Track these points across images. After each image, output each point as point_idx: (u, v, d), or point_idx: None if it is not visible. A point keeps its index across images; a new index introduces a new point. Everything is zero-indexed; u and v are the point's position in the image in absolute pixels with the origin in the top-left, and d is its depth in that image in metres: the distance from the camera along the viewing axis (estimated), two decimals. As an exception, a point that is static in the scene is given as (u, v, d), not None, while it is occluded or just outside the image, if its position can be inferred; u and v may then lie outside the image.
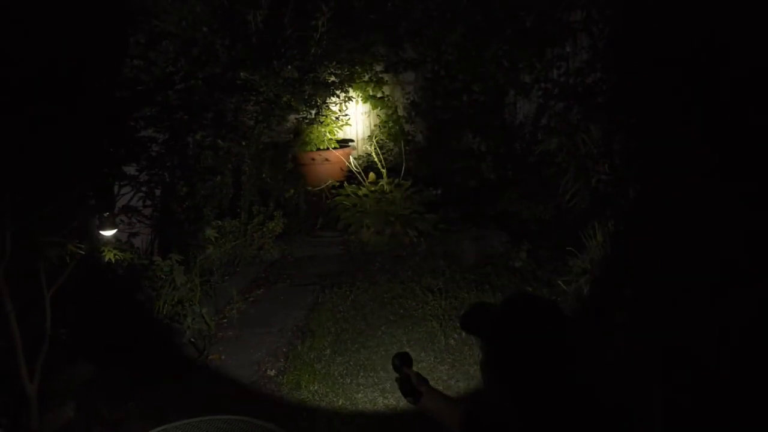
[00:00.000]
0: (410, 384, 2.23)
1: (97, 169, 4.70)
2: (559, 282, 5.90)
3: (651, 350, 4.19)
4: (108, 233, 4.52)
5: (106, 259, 4.52)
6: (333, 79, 7.76)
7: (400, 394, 2.29)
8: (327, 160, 8.91)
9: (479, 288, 6.56)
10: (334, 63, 7.42)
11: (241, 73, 6.55)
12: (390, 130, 9.56)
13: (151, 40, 5.75)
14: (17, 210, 3.56)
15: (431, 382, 2.30)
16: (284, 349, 5.62)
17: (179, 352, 5.47)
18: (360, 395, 4.84)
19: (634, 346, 4.48)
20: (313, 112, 8.38)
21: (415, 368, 2.30)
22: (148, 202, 5.99)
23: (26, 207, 3.64)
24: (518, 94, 9.30)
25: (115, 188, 5.47)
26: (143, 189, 5.83)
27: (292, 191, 8.24)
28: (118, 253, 4.55)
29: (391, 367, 2.33)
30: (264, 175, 7.82)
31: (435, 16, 8.89)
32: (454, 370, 5.09)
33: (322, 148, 8.85)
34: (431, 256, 7.44)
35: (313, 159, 8.81)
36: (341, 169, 9.15)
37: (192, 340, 5.57)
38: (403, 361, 2.27)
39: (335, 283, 6.84)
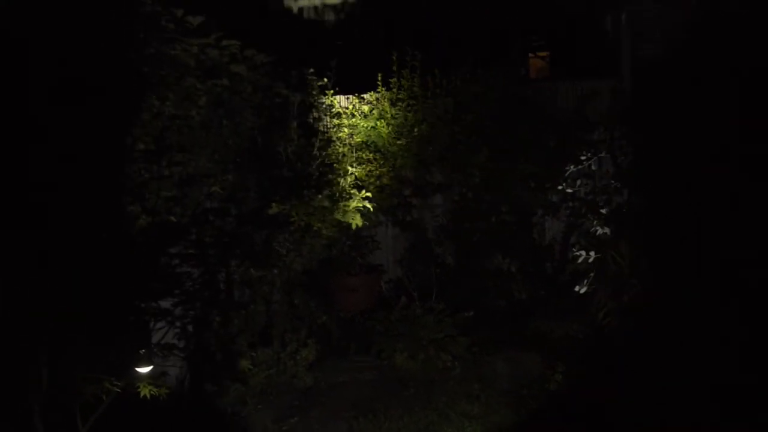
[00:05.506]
0: None
1: (133, 304, 4.80)
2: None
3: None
4: (144, 370, 4.58)
5: (142, 395, 4.55)
6: (363, 206, 7.91)
7: None
8: (358, 285, 8.97)
9: (515, 412, 6.45)
10: (363, 191, 7.60)
11: (273, 205, 6.72)
12: (419, 254, 9.63)
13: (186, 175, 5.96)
14: (54, 347, 3.64)
15: None
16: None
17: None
18: None
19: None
20: (344, 238, 8.51)
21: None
22: (182, 339, 6.07)
23: (62, 345, 3.71)
24: (546, 213, 9.40)
25: (150, 323, 5.55)
26: (177, 324, 5.90)
27: (324, 317, 8.25)
28: (153, 389, 4.59)
29: None
30: (296, 302, 7.86)
31: (461, 139, 9.11)
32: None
33: (353, 273, 8.94)
34: (465, 380, 7.33)
35: (345, 285, 8.88)
36: (372, 294, 9.18)
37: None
38: None
39: (369, 411, 6.75)
